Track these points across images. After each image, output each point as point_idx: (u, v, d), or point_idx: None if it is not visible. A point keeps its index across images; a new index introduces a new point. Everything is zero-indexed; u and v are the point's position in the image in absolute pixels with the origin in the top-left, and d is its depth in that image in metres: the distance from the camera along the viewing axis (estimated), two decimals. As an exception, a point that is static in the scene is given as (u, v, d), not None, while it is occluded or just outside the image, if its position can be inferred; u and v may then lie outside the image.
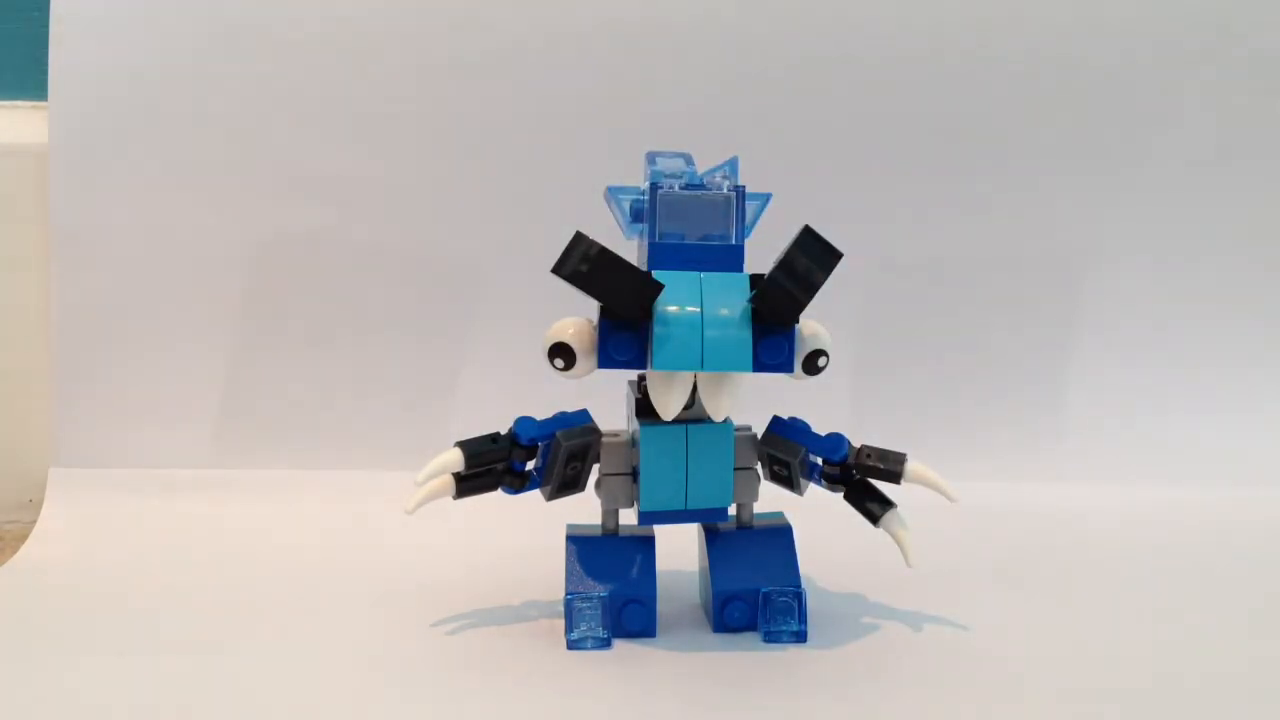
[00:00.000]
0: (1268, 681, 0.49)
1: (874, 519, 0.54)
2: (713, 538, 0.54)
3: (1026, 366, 0.77)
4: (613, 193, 0.52)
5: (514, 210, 0.75)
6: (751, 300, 0.49)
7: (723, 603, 0.53)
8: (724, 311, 0.48)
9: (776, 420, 0.54)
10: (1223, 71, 0.76)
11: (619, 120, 0.74)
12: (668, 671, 0.50)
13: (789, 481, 0.53)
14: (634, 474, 0.53)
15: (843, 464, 0.53)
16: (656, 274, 0.48)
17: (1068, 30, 0.76)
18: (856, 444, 0.54)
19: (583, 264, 0.48)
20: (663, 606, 0.54)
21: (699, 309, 0.48)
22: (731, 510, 0.54)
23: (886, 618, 0.55)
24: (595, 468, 0.54)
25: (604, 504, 0.54)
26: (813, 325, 0.51)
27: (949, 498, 0.53)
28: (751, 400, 0.52)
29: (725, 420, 0.51)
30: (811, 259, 0.48)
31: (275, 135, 0.74)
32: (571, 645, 0.52)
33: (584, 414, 0.54)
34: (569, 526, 0.55)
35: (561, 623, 0.53)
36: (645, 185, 0.51)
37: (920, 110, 0.76)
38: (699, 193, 0.51)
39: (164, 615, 0.55)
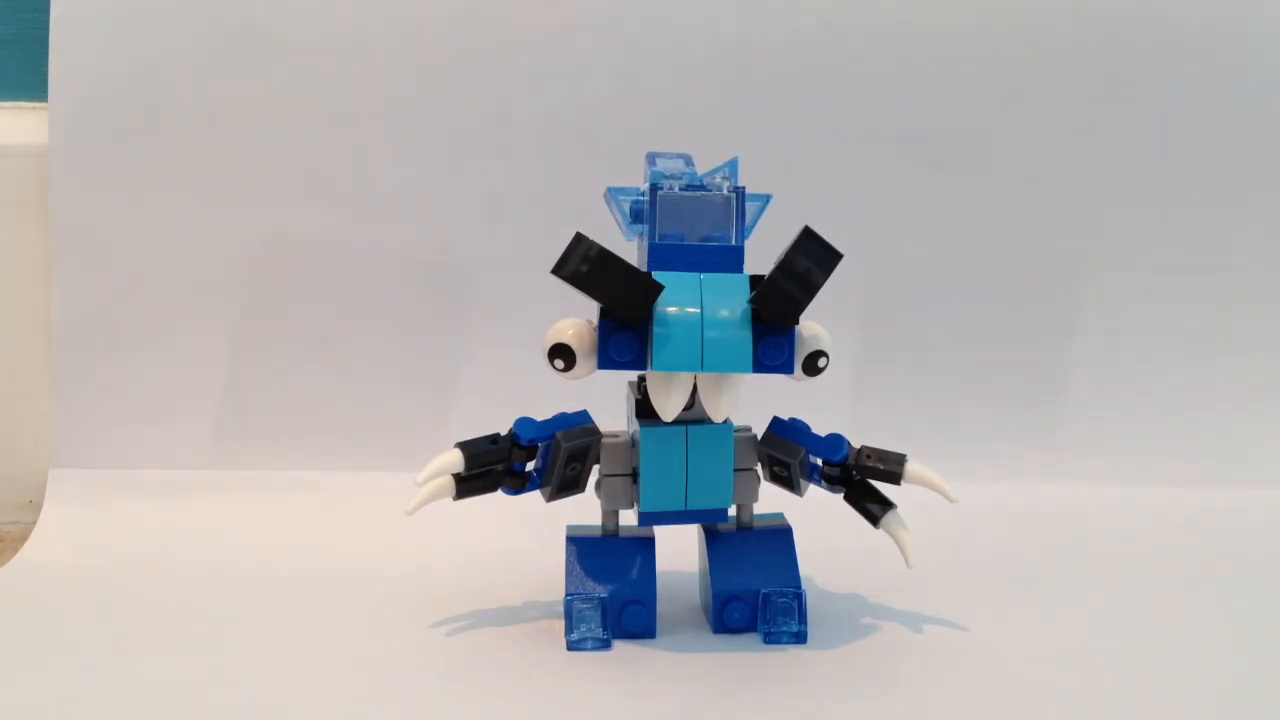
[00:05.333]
0: (1268, 681, 0.49)
1: (874, 520, 0.54)
2: (713, 538, 0.54)
3: (1026, 367, 0.77)
4: (613, 193, 0.52)
5: (514, 211, 0.75)
6: (751, 301, 0.49)
7: (723, 603, 0.53)
8: (724, 312, 0.48)
9: (776, 421, 0.54)
10: (1226, 72, 0.76)
11: (619, 120, 0.74)
12: (668, 672, 0.50)
13: (789, 482, 0.53)
14: (634, 475, 0.53)
15: (843, 465, 0.53)
16: (656, 275, 0.48)
17: (1069, 31, 0.76)
18: (856, 445, 0.54)
19: (583, 265, 0.48)
20: (663, 607, 0.54)
21: (699, 310, 0.48)
22: (731, 511, 0.54)
23: (886, 618, 0.55)
24: (595, 469, 0.54)
25: (604, 505, 0.54)
26: (813, 326, 0.51)
27: (949, 498, 0.53)
28: (751, 401, 0.52)
29: (725, 421, 0.51)
30: (811, 260, 0.48)
31: (275, 135, 0.74)
32: (571, 646, 0.52)
33: (584, 415, 0.54)
34: (569, 527, 0.55)
35: (561, 623, 0.53)
36: (645, 186, 0.51)
37: (921, 111, 0.76)
38: (699, 194, 0.51)
39: (163, 616, 0.55)
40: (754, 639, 0.53)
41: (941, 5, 0.75)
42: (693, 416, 0.51)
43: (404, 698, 0.47)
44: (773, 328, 0.49)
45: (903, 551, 0.54)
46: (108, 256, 0.73)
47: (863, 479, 0.54)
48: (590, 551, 0.54)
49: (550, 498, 0.54)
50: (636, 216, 0.52)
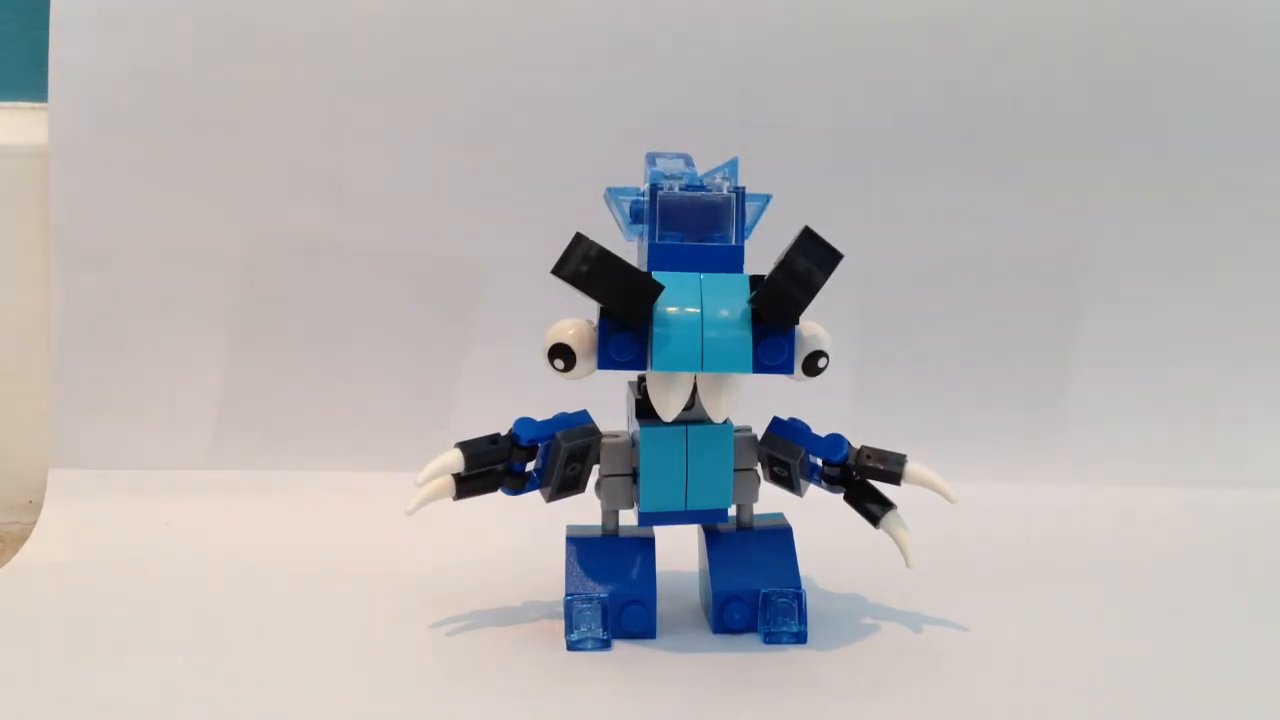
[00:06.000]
0: (1267, 681, 0.49)
1: (874, 520, 0.54)
2: (713, 538, 0.54)
3: (1026, 367, 0.77)
4: (613, 194, 0.52)
5: (514, 210, 0.75)
6: (751, 301, 0.49)
7: (722, 604, 0.53)
8: (724, 313, 0.48)
9: (776, 421, 0.54)
10: (1226, 72, 0.76)
11: (619, 120, 0.74)
12: (668, 673, 0.50)
13: (789, 482, 0.53)
14: (634, 475, 0.53)
15: (843, 465, 0.53)
16: (656, 275, 0.48)
17: (1069, 31, 0.76)
18: (856, 445, 0.54)
19: (583, 265, 0.48)
20: (663, 607, 0.54)
21: (699, 310, 0.48)
22: (731, 511, 0.54)
23: (886, 618, 0.55)
24: (595, 469, 0.54)
25: (604, 505, 0.54)
26: (813, 326, 0.51)
27: (949, 499, 0.53)
28: (751, 401, 0.52)
29: (725, 421, 0.51)
30: (811, 260, 0.48)
31: (275, 135, 0.74)
32: (571, 646, 0.52)
33: (584, 415, 0.54)
34: (569, 527, 0.55)
35: (561, 624, 0.53)
36: (645, 186, 0.51)
37: (921, 110, 0.76)
38: (699, 194, 0.51)
39: (164, 616, 0.55)
40: (754, 639, 0.53)
41: (942, 5, 0.75)
42: (693, 416, 0.51)
43: (404, 698, 0.47)
44: (773, 328, 0.49)
45: (903, 552, 0.54)
46: (108, 256, 0.73)
47: (863, 479, 0.54)
48: (590, 551, 0.54)
49: (550, 498, 0.54)
50: (636, 217, 0.52)
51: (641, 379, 0.54)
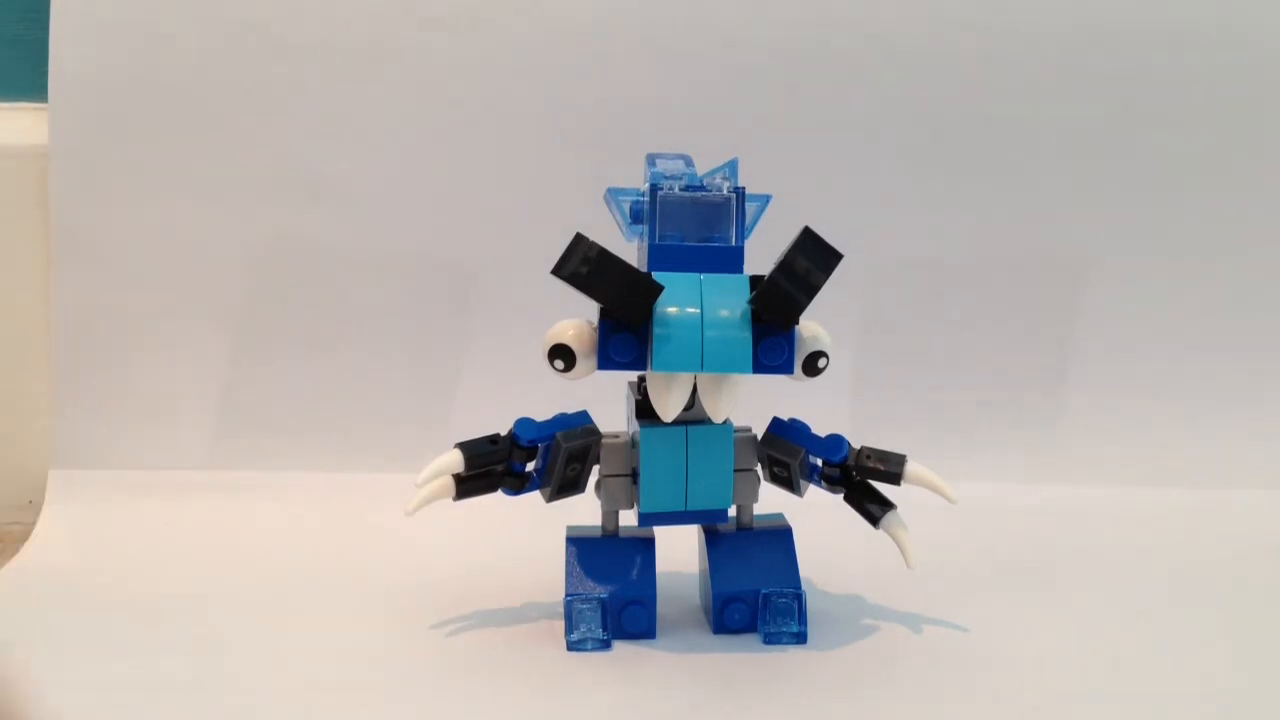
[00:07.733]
0: (1266, 681, 0.49)
1: (874, 520, 0.54)
2: (713, 539, 0.54)
3: (1026, 367, 0.77)
4: (613, 194, 0.52)
5: (514, 211, 0.75)
6: (751, 302, 0.49)
7: (722, 604, 0.53)
8: (724, 313, 0.48)
9: (776, 421, 0.54)
10: (1224, 71, 0.76)
11: (619, 120, 0.74)
12: (668, 673, 0.50)
13: (789, 483, 0.53)
14: (634, 475, 0.53)
15: (843, 465, 0.53)
16: (656, 275, 0.48)
17: (1069, 30, 0.76)
18: (856, 445, 0.54)
19: (583, 265, 0.48)
20: (663, 608, 0.54)
21: (699, 310, 0.48)
22: (731, 512, 0.54)
23: (887, 619, 0.55)
24: (595, 469, 0.54)
25: (604, 505, 0.54)
26: (812, 326, 0.51)
27: (949, 499, 0.53)
28: (751, 401, 0.52)
29: (725, 421, 0.51)
30: (811, 260, 0.48)
31: (275, 136, 0.74)
32: (571, 647, 0.52)
33: (584, 415, 0.54)
34: (569, 528, 0.55)
35: (561, 624, 0.53)
36: (645, 187, 0.51)
37: (921, 110, 0.76)
38: (699, 194, 0.51)
39: (164, 617, 0.55)
40: (754, 640, 0.53)
41: (941, 6, 0.75)
42: (693, 417, 0.51)
43: (404, 698, 0.47)
44: (773, 328, 0.49)
45: (903, 552, 0.54)
46: (108, 256, 0.73)
47: (863, 479, 0.54)
48: (590, 552, 0.54)
49: (550, 498, 0.54)
50: (636, 217, 0.52)
51: (641, 379, 0.54)
